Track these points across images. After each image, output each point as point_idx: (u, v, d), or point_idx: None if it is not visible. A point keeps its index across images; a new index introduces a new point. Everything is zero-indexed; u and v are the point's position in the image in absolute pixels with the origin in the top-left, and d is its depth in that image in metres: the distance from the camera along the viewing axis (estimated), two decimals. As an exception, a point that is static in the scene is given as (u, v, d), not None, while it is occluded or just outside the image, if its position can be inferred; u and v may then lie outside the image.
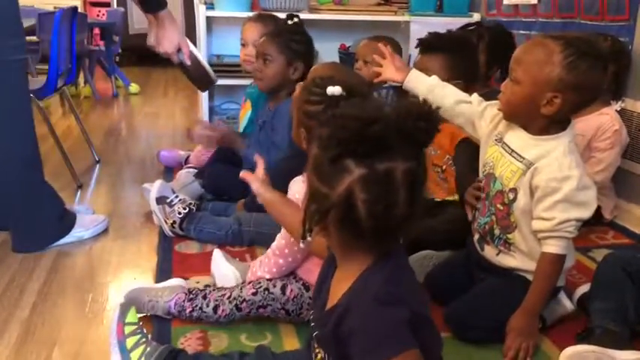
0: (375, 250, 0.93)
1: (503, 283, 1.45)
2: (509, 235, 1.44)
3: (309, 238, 1.06)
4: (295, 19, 2.20)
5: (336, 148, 0.86)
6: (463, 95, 1.57)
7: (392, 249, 0.95)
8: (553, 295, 1.48)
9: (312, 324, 1.06)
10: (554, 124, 1.38)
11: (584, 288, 1.55)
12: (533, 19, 2.71)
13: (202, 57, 2.02)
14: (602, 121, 2.15)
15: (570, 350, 1.30)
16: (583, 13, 2.39)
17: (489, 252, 1.50)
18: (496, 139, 1.48)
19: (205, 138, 2.26)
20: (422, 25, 3.06)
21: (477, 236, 1.54)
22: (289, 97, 2.09)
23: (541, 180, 1.35)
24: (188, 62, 1.94)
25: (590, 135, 2.16)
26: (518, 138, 1.43)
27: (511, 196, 1.42)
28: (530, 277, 1.41)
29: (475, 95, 1.58)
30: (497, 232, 1.47)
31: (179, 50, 1.91)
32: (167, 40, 1.87)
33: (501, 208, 1.45)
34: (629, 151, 2.21)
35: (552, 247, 1.36)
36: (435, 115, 0.89)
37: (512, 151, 1.42)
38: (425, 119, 0.88)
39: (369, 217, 0.86)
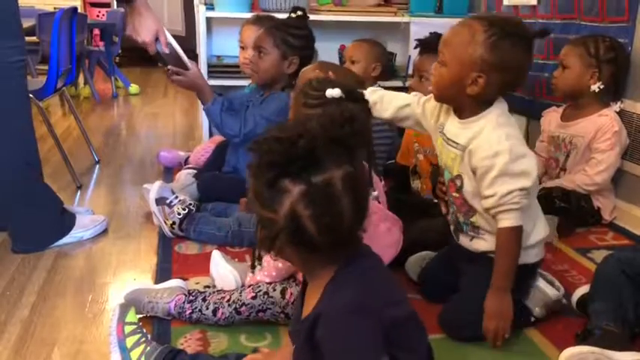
0: (336, 259, 0.94)
1: (482, 272, 1.43)
2: (473, 219, 1.46)
3: (258, 267, 1.09)
4: (299, 12, 2.19)
5: (270, 172, 0.87)
6: (402, 100, 1.59)
7: (354, 253, 0.96)
8: (531, 273, 1.48)
9: (291, 339, 1.08)
10: (481, 105, 1.39)
11: (583, 289, 1.55)
12: (533, 20, 2.70)
13: (178, 46, 2.00)
14: (601, 123, 2.15)
15: (569, 351, 1.30)
16: (583, 15, 2.39)
17: (464, 240, 1.51)
18: (439, 130, 1.49)
19: (176, 82, 2.11)
20: (422, 26, 3.06)
21: (452, 227, 1.56)
22: (283, 90, 2.09)
23: (476, 160, 1.37)
24: (166, 50, 1.92)
25: (590, 136, 2.16)
26: (452, 126, 1.45)
27: (458, 182, 1.44)
28: None
29: (412, 96, 1.60)
30: (461, 219, 1.49)
31: (157, 39, 1.89)
32: (145, 28, 1.85)
33: (457, 195, 1.47)
34: (628, 152, 2.21)
35: (504, 221, 1.36)
36: (361, 117, 0.91)
37: (449, 139, 1.45)
38: (349, 123, 0.89)
39: (320, 231, 0.88)
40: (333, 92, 1.31)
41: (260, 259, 0.97)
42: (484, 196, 1.37)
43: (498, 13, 1.36)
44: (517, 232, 1.37)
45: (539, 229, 1.46)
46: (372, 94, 1.57)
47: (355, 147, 0.91)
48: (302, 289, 1.06)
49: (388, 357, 0.92)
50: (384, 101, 1.58)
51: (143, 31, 1.85)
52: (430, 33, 2.02)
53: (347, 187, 0.88)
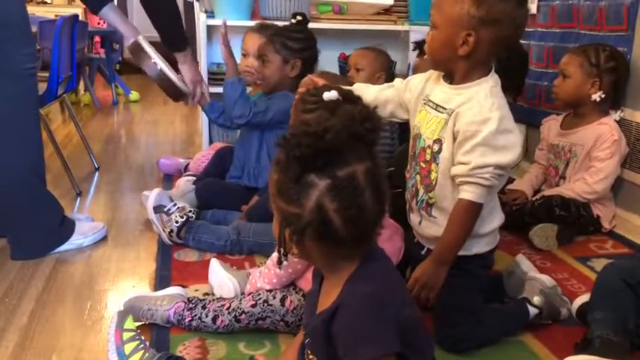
0: (357, 254, 0.97)
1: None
2: (431, 194, 1.43)
3: (285, 262, 1.10)
4: (298, 17, 2.21)
5: (297, 167, 0.89)
6: (385, 85, 1.58)
7: (372, 249, 0.98)
8: (484, 262, 1.46)
9: (304, 331, 1.08)
10: (475, 70, 1.36)
11: (583, 298, 1.55)
12: (532, 29, 2.72)
13: (169, 69, 2.11)
14: (601, 131, 2.15)
15: (569, 360, 1.29)
16: (582, 24, 2.40)
17: (414, 220, 1.50)
18: (423, 102, 1.47)
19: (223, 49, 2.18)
20: (421, 34, 3.05)
21: (407, 206, 1.53)
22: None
23: (462, 124, 1.34)
24: (152, 69, 2.03)
25: (590, 145, 2.17)
26: (442, 92, 1.43)
27: (436, 147, 1.40)
28: None
29: (397, 79, 1.60)
30: (421, 191, 1.46)
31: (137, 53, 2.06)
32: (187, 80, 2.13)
33: (424, 165, 1.44)
34: (628, 160, 2.21)
35: (467, 193, 1.33)
36: (376, 114, 0.95)
37: (437, 105, 1.42)
38: (369, 120, 0.93)
39: (345, 224, 0.90)
40: (330, 95, 1.32)
41: (286, 254, 0.98)
42: (458, 162, 1.34)
43: None
44: (476, 209, 1.34)
45: (495, 217, 1.44)
46: (355, 85, 1.58)
47: (373, 143, 0.94)
48: (317, 284, 1.07)
49: (398, 356, 0.93)
50: (369, 87, 1.58)
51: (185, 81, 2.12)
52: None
53: (369, 181, 0.91)
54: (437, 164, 1.40)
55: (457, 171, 1.34)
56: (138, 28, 2.15)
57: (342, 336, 0.92)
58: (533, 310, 1.50)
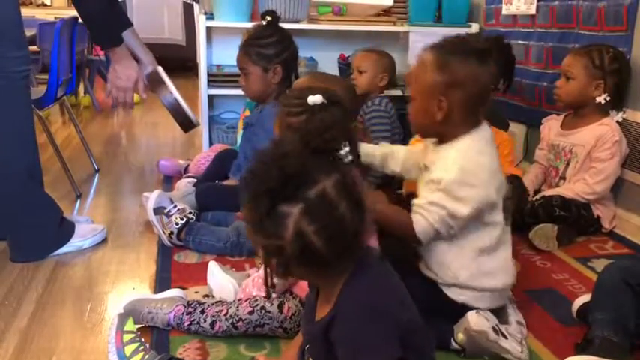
0: (347, 265, 0.96)
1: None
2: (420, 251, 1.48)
3: (274, 295, 1.11)
4: (267, 18, 2.17)
5: (266, 201, 0.88)
6: (402, 157, 1.64)
7: (365, 257, 0.97)
8: (456, 310, 1.42)
9: (303, 338, 1.08)
10: (457, 129, 1.40)
11: (583, 298, 1.55)
12: (532, 30, 2.72)
13: (183, 101, 2.12)
14: (602, 132, 2.15)
15: (570, 360, 1.29)
16: (581, 24, 2.40)
17: None
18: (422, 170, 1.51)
19: None
20: (421, 36, 3.07)
21: None
22: (275, 100, 2.10)
23: (430, 175, 1.40)
24: (144, 95, 2.01)
25: (590, 145, 2.17)
26: (430, 154, 1.47)
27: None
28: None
29: (408, 149, 1.67)
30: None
31: (162, 94, 2.03)
32: (125, 77, 1.92)
33: None
34: (628, 160, 2.21)
35: (415, 216, 1.38)
36: (335, 121, 0.96)
37: (425, 166, 1.47)
38: (328, 130, 0.92)
39: (328, 242, 0.89)
40: (315, 99, 1.32)
41: (274, 286, 0.99)
42: (417, 196, 1.42)
43: (449, 37, 1.39)
44: (409, 231, 1.38)
45: (497, 275, 1.43)
46: (382, 148, 1.68)
47: (337, 150, 0.93)
48: (314, 291, 1.07)
49: None
50: (395, 157, 1.65)
51: (123, 78, 1.93)
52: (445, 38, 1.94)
53: (341, 192, 0.90)
54: None
55: (414, 202, 1.40)
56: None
57: (341, 346, 0.92)
58: (454, 345, 1.41)
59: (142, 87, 1.98)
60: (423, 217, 1.37)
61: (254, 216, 0.91)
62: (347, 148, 1.40)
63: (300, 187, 0.88)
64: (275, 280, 0.98)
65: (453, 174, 1.35)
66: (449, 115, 1.37)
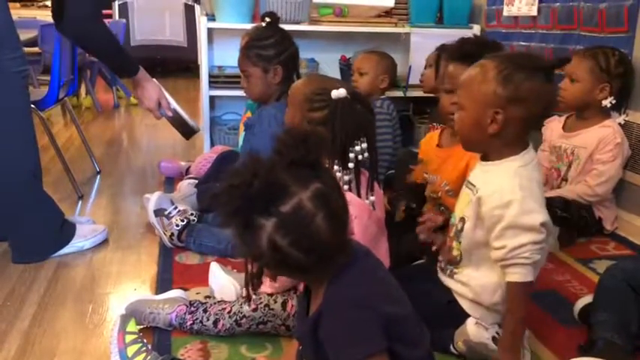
0: (330, 268, 0.96)
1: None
2: (456, 270, 1.42)
3: (254, 296, 1.13)
4: (267, 19, 2.17)
5: (239, 215, 0.89)
6: None
7: (350, 255, 0.97)
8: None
9: (295, 337, 1.10)
10: (507, 147, 1.34)
11: (585, 299, 1.55)
12: (533, 31, 2.72)
13: (181, 110, 2.22)
14: (604, 134, 2.15)
15: (573, 362, 1.29)
16: (582, 25, 2.40)
17: (441, 274, 1.48)
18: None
19: None
20: (422, 37, 3.08)
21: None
22: (277, 100, 2.10)
23: (486, 210, 1.31)
24: (169, 114, 2.18)
25: (592, 147, 2.16)
26: (475, 170, 1.42)
27: (459, 226, 1.39)
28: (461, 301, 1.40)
29: None
30: (444, 262, 1.46)
31: (160, 106, 2.15)
32: (147, 98, 2.12)
33: (448, 241, 1.45)
34: (630, 162, 2.21)
35: (512, 275, 1.28)
36: (311, 133, 0.93)
37: (469, 182, 1.41)
38: (302, 142, 0.91)
39: (304, 253, 0.90)
40: (339, 92, 1.32)
41: (255, 290, 1.02)
42: (494, 248, 1.31)
43: (512, 51, 1.32)
44: (526, 286, 1.28)
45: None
46: None
47: (315, 161, 0.92)
48: (306, 290, 1.08)
49: (388, 352, 0.94)
50: None
51: (146, 101, 2.13)
52: (462, 38, 1.84)
53: (318, 203, 0.89)
54: (459, 242, 1.40)
55: (496, 256, 1.31)
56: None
57: (328, 342, 0.94)
58: (453, 350, 1.41)
59: (165, 104, 2.15)
60: (519, 265, 1.27)
61: (232, 228, 0.92)
62: (364, 145, 1.40)
63: (274, 201, 0.88)
64: (256, 285, 1.01)
65: (515, 207, 1.27)
66: (502, 131, 1.30)
